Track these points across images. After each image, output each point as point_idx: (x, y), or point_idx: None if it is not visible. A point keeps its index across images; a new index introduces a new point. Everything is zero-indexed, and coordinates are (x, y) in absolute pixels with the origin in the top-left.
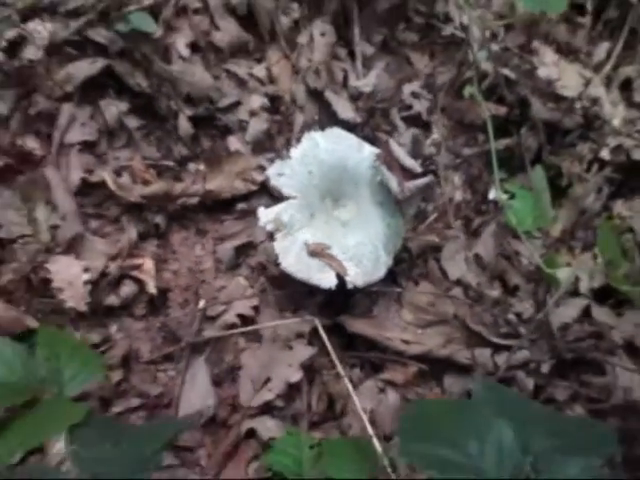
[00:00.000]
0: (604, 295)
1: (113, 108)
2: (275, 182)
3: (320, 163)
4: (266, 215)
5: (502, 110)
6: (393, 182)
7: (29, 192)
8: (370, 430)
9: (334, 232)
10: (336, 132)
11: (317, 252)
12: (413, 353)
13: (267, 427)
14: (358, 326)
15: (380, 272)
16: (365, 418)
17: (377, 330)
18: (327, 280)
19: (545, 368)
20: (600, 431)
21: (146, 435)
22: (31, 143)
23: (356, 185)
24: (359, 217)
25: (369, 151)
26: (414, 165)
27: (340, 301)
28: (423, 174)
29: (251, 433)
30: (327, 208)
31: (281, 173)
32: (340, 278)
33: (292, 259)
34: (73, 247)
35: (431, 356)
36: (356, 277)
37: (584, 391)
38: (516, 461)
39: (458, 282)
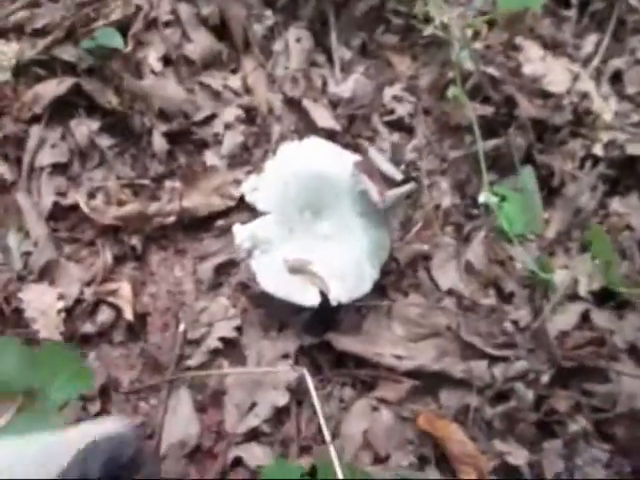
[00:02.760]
0: (604, 297)
1: (84, 128)
2: (250, 198)
3: (296, 175)
4: (241, 233)
5: (488, 110)
6: (373, 191)
7: (0, 219)
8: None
9: (315, 247)
10: (314, 141)
11: (297, 269)
12: (406, 369)
13: (254, 455)
14: (346, 343)
15: (365, 286)
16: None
17: (367, 346)
18: (309, 298)
19: (545, 378)
20: None
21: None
22: (0, 168)
23: (337, 196)
24: (341, 230)
25: (349, 160)
26: (394, 172)
27: (327, 318)
28: (405, 181)
29: (238, 461)
30: (307, 222)
31: (255, 188)
32: (323, 295)
33: (270, 277)
34: (46, 274)
35: (424, 371)
36: (340, 293)
37: (587, 401)
38: None
39: (450, 292)
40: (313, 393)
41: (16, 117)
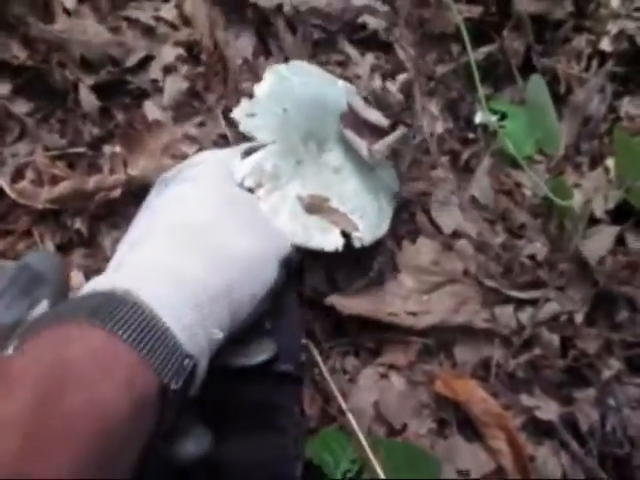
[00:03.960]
0: (620, 217)
1: None
2: (246, 126)
3: (295, 99)
4: (243, 167)
5: (476, 11)
6: (362, 148)
7: None
8: None
9: (328, 181)
10: (300, 64)
11: (316, 206)
12: (423, 326)
13: None
14: (353, 306)
15: (385, 224)
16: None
17: (376, 306)
18: (331, 240)
19: (579, 318)
20: None
21: None
22: None
23: (338, 124)
24: (351, 161)
25: (342, 85)
26: (380, 119)
27: (320, 278)
28: (393, 127)
29: None
30: (313, 153)
31: (251, 113)
32: (345, 236)
33: (285, 219)
34: None
35: (445, 325)
36: (363, 232)
37: (618, 336)
38: None
39: (455, 234)
40: (322, 366)
41: None
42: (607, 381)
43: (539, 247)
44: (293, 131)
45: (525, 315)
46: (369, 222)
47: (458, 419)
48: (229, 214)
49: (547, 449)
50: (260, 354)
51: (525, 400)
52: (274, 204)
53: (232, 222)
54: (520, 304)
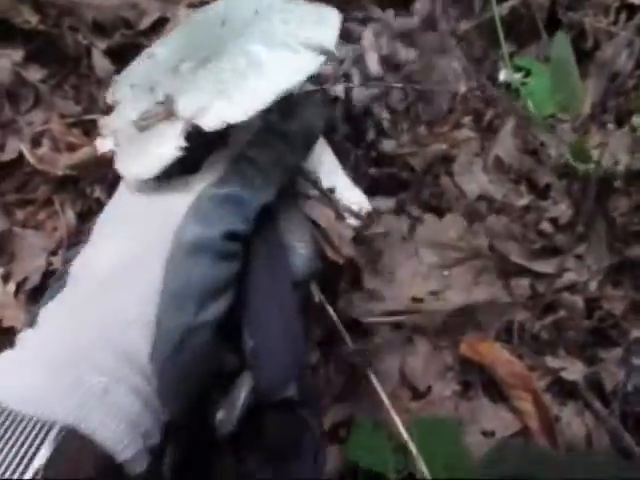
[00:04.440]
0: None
1: (4, 60)
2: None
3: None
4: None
5: None
6: None
7: None
8: None
9: (180, 84)
10: None
11: (148, 118)
12: (449, 309)
13: None
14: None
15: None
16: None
17: (394, 291)
18: (167, 145)
19: (593, 285)
20: None
21: None
22: None
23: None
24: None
25: None
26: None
27: None
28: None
29: None
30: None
31: None
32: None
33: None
34: (2, 247)
35: (466, 302)
36: (227, 112)
37: None
38: None
39: (479, 197)
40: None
41: None
42: (633, 341)
43: (563, 209)
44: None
45: (542, 285)
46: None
47: (483, 381)
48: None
49: (571, 410)
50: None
51: (550, 361)
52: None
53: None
54: (537, 275)
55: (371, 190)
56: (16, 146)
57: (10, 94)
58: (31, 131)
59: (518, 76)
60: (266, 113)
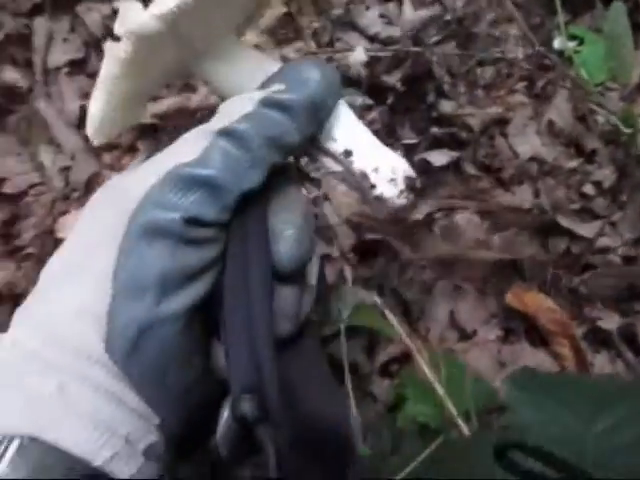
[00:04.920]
0: None
1: (94, 13)
2: None
3: None
4: None
5: None
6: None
7: (26, 133)
8: None
9: None
10: None
11: None
12: (488, 258)
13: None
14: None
15: None
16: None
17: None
18: None
19: (624, 251)
20: None
21: None
22: (10, 74)
23: None
24: None
25: None
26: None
27: None
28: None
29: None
30: None
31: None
32: None
33: None
34: (92, 188)
35: (505, 254)
36: None
37: None
38: None
39: (531, 159)
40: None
41: (14, 10)
42: None
43: (607, 174)
44: None
45: (578, 247)
46: None
47: (525, 328)
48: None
49: (604, 357)
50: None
51: (588, 312)
52: None
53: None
54: (573, 237)
55: (431, 147)
56: None
57: (98, 45)
58: None
59: (572, 44)
60: (267, 81)
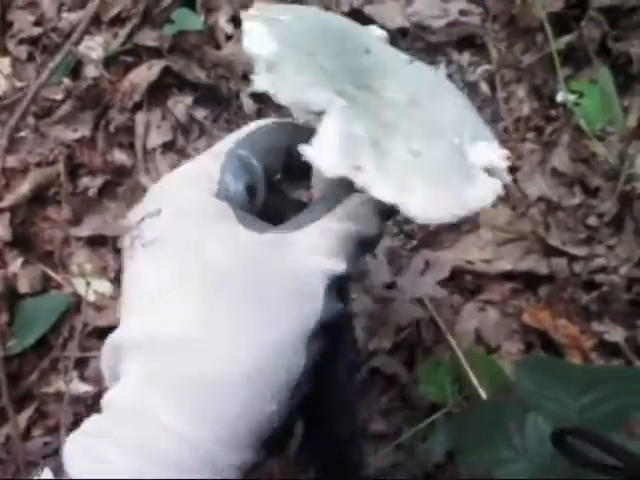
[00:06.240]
0: None
1: (180, 105)
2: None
3: (302, 38)
4: (324, 153)
5: (557, 5)
6: None
7: (131, 200)
8: None
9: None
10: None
11: None
12: (495, 272)
13: (386, 363)
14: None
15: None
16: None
17: (459, 255)
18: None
19: (624, 270)
20: None
21: None
22: (119, 156)
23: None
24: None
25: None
26: None
27: None
28: None
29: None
30: (371, 96)
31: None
32: None
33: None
34: None
35: (512, 270)
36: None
37: None
38: None
39: (539, 199)
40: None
41: (120, 107)
42: None
43: (609, 206)
44: (339, 75)
45: (578, 266)
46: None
47: (542, 342)
48: (216, 301)
49: None
50: None
51: (596, 326)
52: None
53: (223, 320)
54: (573, 258)
55: None
56: None
57: (183, 129)
58: (197, 155)
59: (573, 97)
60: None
